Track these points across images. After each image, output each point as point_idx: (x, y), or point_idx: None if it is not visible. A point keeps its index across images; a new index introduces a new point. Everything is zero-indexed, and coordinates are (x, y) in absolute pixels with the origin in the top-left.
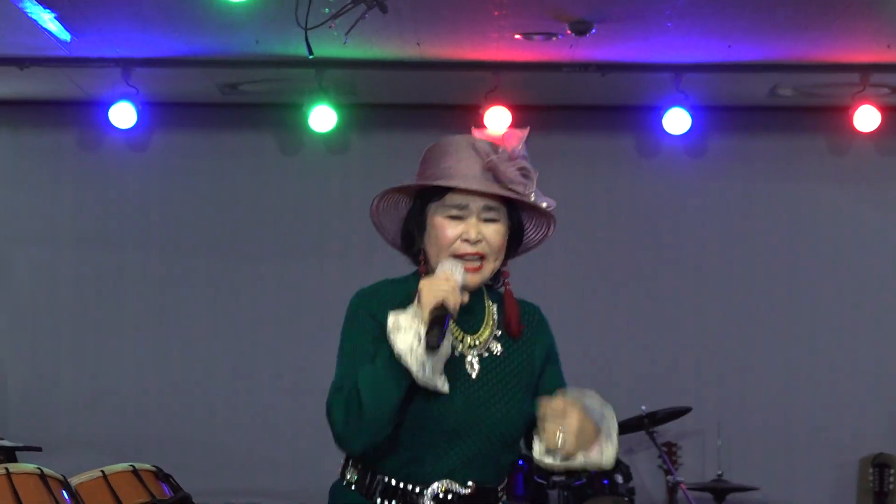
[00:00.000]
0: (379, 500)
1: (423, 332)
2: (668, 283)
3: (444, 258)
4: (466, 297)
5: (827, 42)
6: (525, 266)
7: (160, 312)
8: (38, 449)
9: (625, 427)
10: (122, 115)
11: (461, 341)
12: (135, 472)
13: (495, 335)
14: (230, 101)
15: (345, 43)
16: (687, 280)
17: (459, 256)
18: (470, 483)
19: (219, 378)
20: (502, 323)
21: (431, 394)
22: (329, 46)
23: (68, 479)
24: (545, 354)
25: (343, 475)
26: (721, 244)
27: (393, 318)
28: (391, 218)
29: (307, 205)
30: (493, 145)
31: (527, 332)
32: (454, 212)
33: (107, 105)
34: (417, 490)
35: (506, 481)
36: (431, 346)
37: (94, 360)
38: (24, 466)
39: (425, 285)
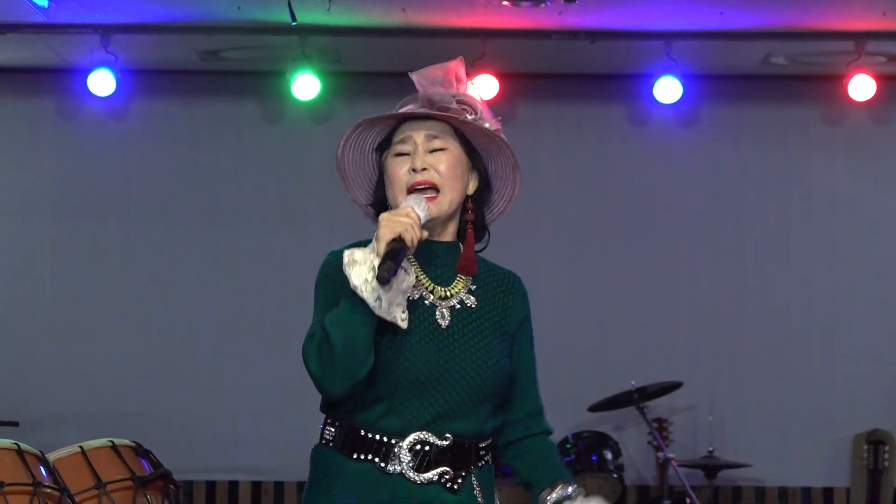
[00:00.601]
0: (356, 455)
1: (376, 264)
2: (659, 254)
3: (399, 197)
4: (426, 234)
5: (821, 9)
6: (513, 237)
7: (140, 285)
8: (15, 424)
9: (614, 402)
10: (101, 82)
11: (431, 292)
12: (114, 447)
13: (469, 289)
14: (211, 69)
15: (328, 9)
16: (678, 252)
17: (412, 190)
18: (448, 435)
19: (200, 353)
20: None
21: (399, 343)
22: (312, 12)
23: (46, 455)
24: (520, 321)
25: (322, 435)
26: (713, 215)
27: (349, 253)
28: (360, 188)
29: (290, 175)
30: (441, 85)
31: (501, 292)
32: (399, 148)
33: (85, 72)
34: (394, 442)
35: (490, 441)
36: (382, 278)
37: (73, 335)
38: (1, 441)
39: (384, 218)
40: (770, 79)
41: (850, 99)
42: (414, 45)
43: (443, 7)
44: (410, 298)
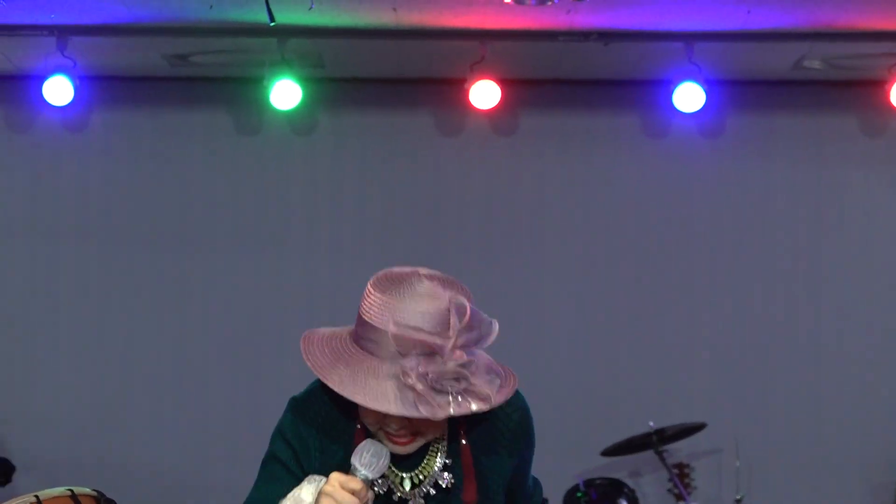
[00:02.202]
0: None
1: None
2: (678, 282)
3: (374, 429)
4: (372, 494)
5: (860, 7)
6: (515, 264)
7: (100, 314)
8: None
9: (630, 445)
10: (58, 90)
11: (400, 485)
12: (73, 496)
13: (444, 464)
14: (180, 75)
15: (311, 8)
16: (700, 279)
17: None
18: None
19: (166, 392)
20: (454, 442)
21: None
22: (293, 12)
23: None
24: (520, 456)
25: None
26: (738, 237)
27: (295, 493)
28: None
29: (267, 193)
30: (423, 346)
31: (490, 448)
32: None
33: (40, 79)
34: None
35: None
36: None
37: (24, 371)
38: None
39: (324, 493)
40: (803, 84)
41: (893, 106)
42: (406, 49)
43: (438, 6)
44: (379, 492)
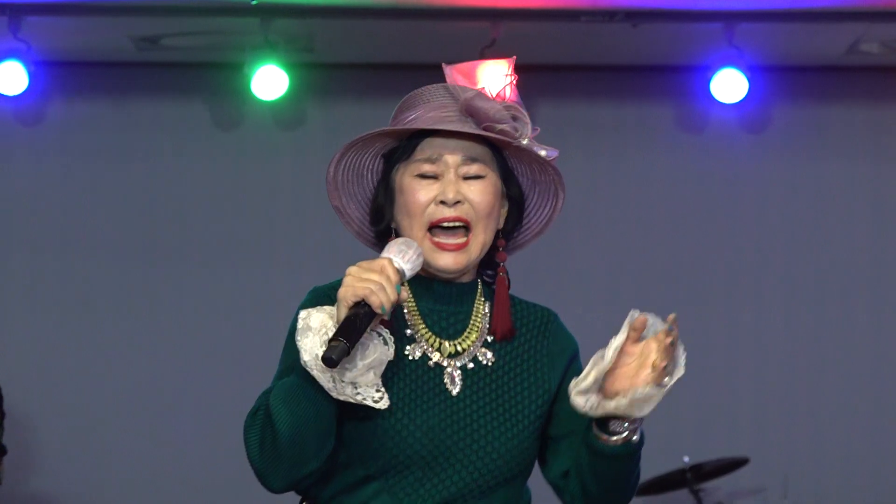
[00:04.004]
0: None
1: (329, 336)
2: (717, 294)
3: (417, 231)
4: (406, 294)
5: None
6: (531, 272)
7: (59, 327)
8: None
9: (663, 483)
10: (10, 77)
11: (437, 349)
12: None
13: (485, 341)
14: (149, 60)
15: None
16: (743, 292)
17: (436, 225)
18: None
19: (137, 413)
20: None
21: (397, 412)
22: None
23: None
24: (564, 369)
25: None
26: (787, 244)
27: (305, 315)
28: (356, 201)
29: (249, 193)
30: (479, 91)
31: (532, 338)
32: (426, 168)
33: None
34: None
35: None
36: (329, 359)
37: None
38: None
39: (350, 273)
40: (859, 71)
41: None
42: (407, 31)
43: None
44: (411, 357)
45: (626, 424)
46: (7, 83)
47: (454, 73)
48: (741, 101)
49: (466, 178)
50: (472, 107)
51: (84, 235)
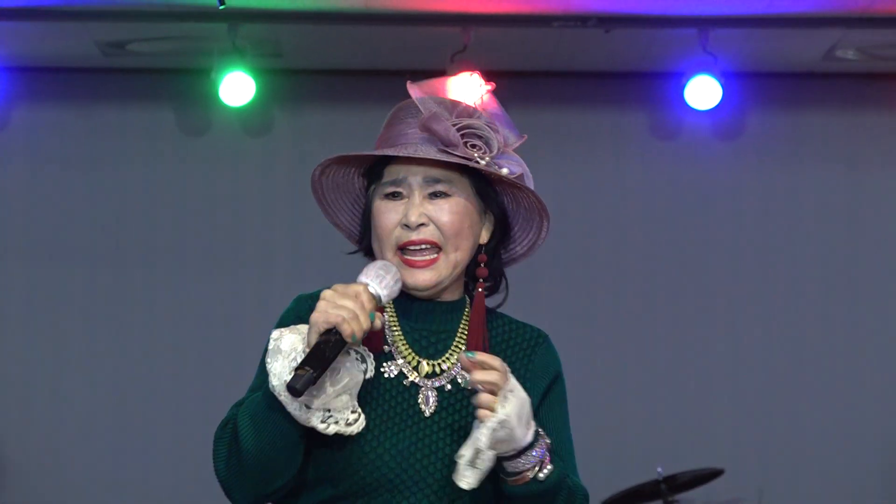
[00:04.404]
0: None
1: (297, 363)
2: (691, 304)
3: (388, 252)
4: (379, 322)
5: None
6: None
7: (23, 337)
8: None
9: (636, 495)
10: None
11: (415, 368)
12: None
13: None
14: (115, 66)
15: None
16: (717, 300)
17: (403, 248)
18: None
19: (103, 424)
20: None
21: (367, 432)
22: None
23: None
24: (544, 389)
25: None
26: (761, 252)
27: (276, 337)
28: (348, 213)
29: (216, 201)
30: (449, 102)
31: (517, 360)
32: (390, 188)
33: None
34: None
35: None
36: (294, 390)
37: None
38: None
39: (325, 297)
40: (835, 77)
41: None
42: (377, 36)
43: None
44: (387, 375)
45: (521, 463)
46: None
47: (417, 91)
48: (715, 108)
49: (433, 195)
50: (427, 129)
51: (49, 242)
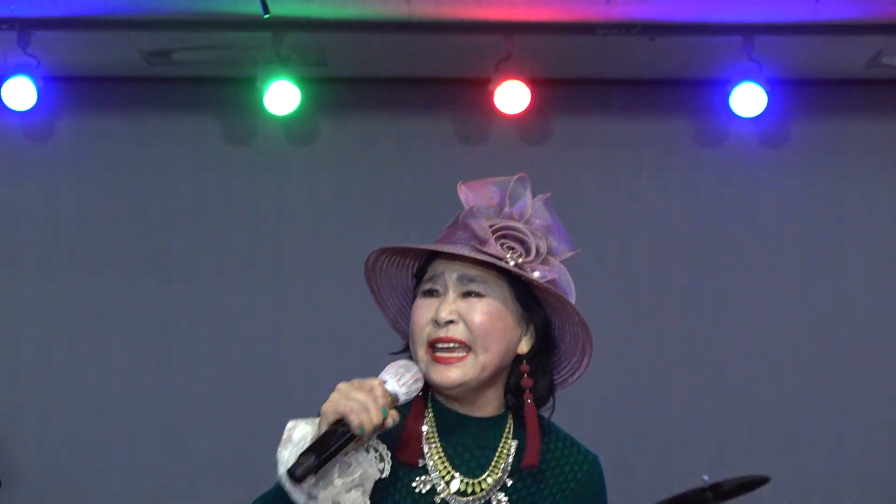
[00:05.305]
0: None
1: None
2: (736, 313)
3: (419, 349)
4: (391, 421)
5: None
6: None
7: (69, 348)
8: None
9: (682, 503)
10: (18, 93)
11: (447, 483)
12: None
13: (504, 484)
14: (160, 75)
15: None
16: (762, 309)
17: (433, 346)
18: None
19: (146, 438)
20: (518, 465)
21: None
22: (290, 2)
23: None
24: None
25: None
26: (807, 261)
27: (291, 427)
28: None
29: (261, 209)
30: (497, 205)
31: (557, 483)
32: (427, 285)
33: None
34: None
35: None
36: (293, 475)
37: None
38: None
39: (339, 389)
40: (880, 84)
41: None
42: (421, 45)
43: None
44: (419, 490)
45: None
46: (16, 99)
47: (467, 192)
48: (760, 115)
49: (465, 295)
50: (464, 224)
51: (94, 251)
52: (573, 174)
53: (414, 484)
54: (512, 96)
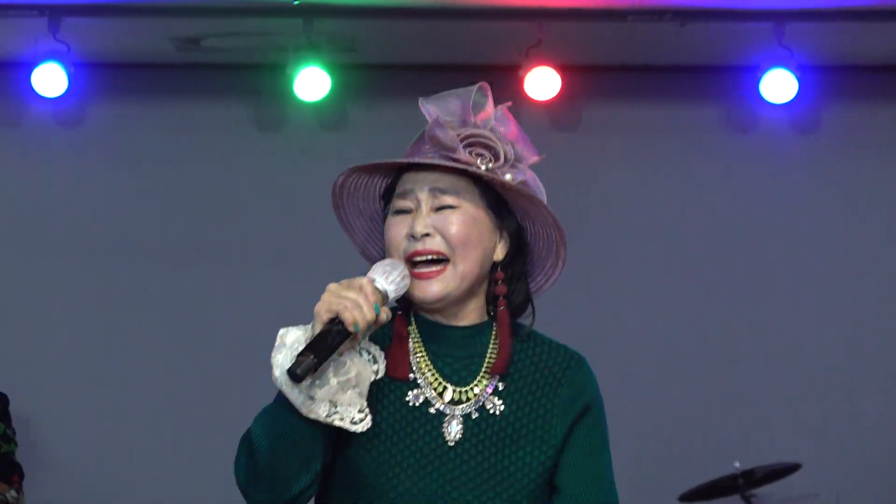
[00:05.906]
0: None
1: (298, 352)
2: (768, 300)
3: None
4: (384, 316)
5: None
6: (579, 283)
7: (99, 336)
8: None
9: (713, 489)
10: (49, 79)
11: (440, 394)
12: None
13: (496, 388)
14: (190, 61)
15: None
16: (794, 296)
17: (411, 261)
18: None
19: (180, 427)
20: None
21: (389, 461)
22: None
23: None
24: (571, 422)
25: None
26: (839, 248)
27: (282, 333)
28: (373, 238)
29: (292, 196)
30: (461, 116)
31: (547, 384)
32: (399, 204)
33: (29, 67)
34: None
35: None
36: (294, 374)
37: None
38: None
39: (329, 289)
40: None
41: None
42: (450, 31)
43: None
44: (412, 403)
45: None
46: (47, 85)
47: (430, 106)
48: (791, 102)
49: (439, 209)
50: (431, 136)
51: (125, 238)
52: (603, 161)
53: (407, 398)
54: (542, 83)
